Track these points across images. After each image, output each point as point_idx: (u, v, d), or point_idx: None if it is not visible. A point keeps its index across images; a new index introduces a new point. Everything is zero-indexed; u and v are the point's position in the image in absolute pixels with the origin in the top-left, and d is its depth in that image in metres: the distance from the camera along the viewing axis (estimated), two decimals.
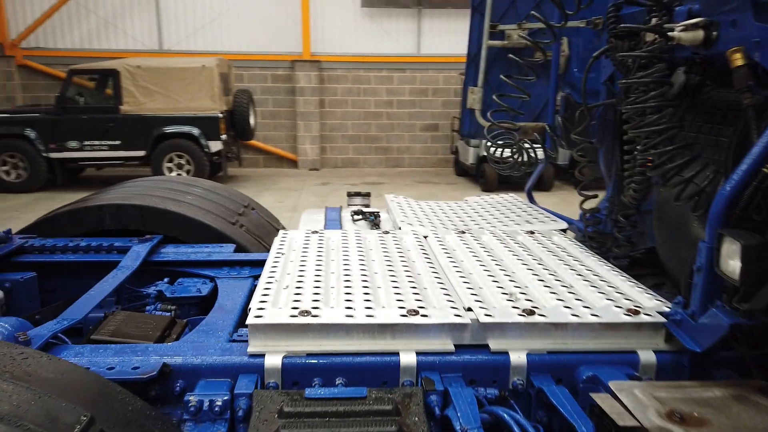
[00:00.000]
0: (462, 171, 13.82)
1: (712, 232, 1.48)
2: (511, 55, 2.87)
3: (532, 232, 2.68)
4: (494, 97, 2.77)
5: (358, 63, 15.00)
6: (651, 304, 1.83)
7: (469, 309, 1.78)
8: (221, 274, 2.45)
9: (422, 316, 1.71)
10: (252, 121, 12.60)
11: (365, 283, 1.96)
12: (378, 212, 3.20)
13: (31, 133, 10.89)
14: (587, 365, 1.69)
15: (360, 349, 1.68)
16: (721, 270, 1.46)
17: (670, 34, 1.74)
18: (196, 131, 11.12)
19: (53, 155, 10.99)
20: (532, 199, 3.46)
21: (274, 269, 2.09)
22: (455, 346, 1.71)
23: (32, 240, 2.59)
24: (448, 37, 14.49)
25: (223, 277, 2.41)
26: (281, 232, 2.58)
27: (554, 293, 1.91)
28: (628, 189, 2.29)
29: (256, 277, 2.28)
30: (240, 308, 2.07)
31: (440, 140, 15.26)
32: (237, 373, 1.64)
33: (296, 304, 1.76)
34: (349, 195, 3.55)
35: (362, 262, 2.18)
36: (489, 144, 2.95)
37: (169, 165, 11.21)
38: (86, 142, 11.00)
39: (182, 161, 11.25)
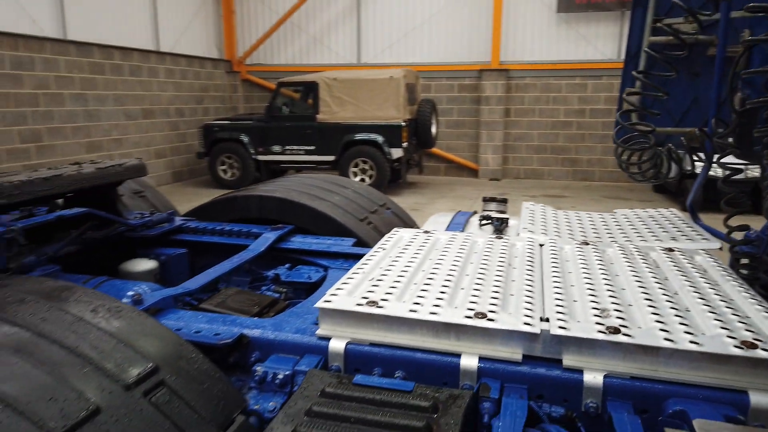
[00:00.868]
0: (660, 187, 12.52)
1: None
2: (646, 49, 2.56)
3: (671, 250, 2.36)
4: (624, 95, 2.49)
5: (548, 71, 14.51)
6: None
7: (546, 319, 1.64)
8: (334, 264, 2.58)
9: (489, 320, 1.62)
10: (434, 129, 12.91)
11: (447, 283, 1.92)
12: (507, 218, 3.08)
13: (245, 138, 12.53)
14: (679, 398, 1.45)
15: (422, 346, 1.65)
16: None
17: None
18: (380, 139, 11.75)
19: (260, 158, 12.50)
20: (694, 215, 3.03)
21: (367, 262, 2.15)
22: (525, 356, 1.60)
23: (190, 222, 3.00)
24: None
25: (334, 268, 2.54)
26: (394, 229, 2.63)
27: (658, 314, 1.67)
28: None
29: None
30: None
31: None
32: (304, 353, 1.72)
33: (368, 295, 1.79)
34: (485, 200, 3.47)
35: (456, 263, 2.13)
36: (620, 149, 2.66)
37: (354, 170, 12.00)
38: (287, 147, 12.31)
39: (366, 167, 11.98)
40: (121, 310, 1.57)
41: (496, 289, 1.87)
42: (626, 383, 1.50)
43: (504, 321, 1.62)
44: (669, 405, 1.44)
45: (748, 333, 1.54)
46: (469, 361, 1.60)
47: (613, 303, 1.75)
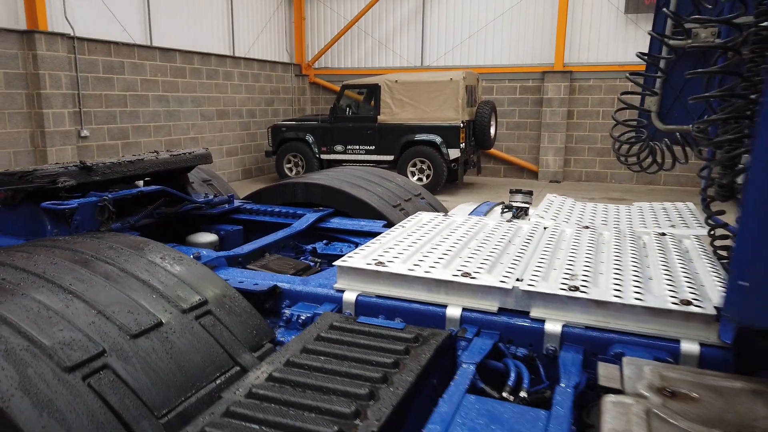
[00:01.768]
0: (731, 194, 12.11)
1: None
2: (638, 53, 2.79)
3: (663, 234, 2.60)
4: (619, 95, 2.74)
5: (614, 72, 14.32)
6: (718, 298, 1.76)
7: (520, 280, 1.96)
8: (365, 242, 2.97)
9: (471, 278, 1.97)
10: (492, 131, 13.08)
11: (448, 252, 2.27)
12: (527, 207, 3.37)
13: (310, 138, 13.18)
14: (622, 344, 1.74)
15: (418, 298, 2.01)
16: None
17: None
18: (438, 139, 12.08)
19: (323, 156, 13.12)
20: (706, 207, 3.21)
21: (386, 235, 2.53)
22: (500, 309, 1.93)
23: (246, 204, 3.48)
24: None
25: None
26: (418, 212, 3.00)
27: (620, 281, 1.95)
28: None
29: None
30: None
31: None
32: (324, 302, 2.13)
33: (378, 258, 2.17)
34: (512, 192, 3.76)
35: (461, 239, 2.47)
36: (617, 142, 2.90)
37: (412, 170, 12.38)
38: (349, 147, 12.85)
39: (424, 167, 12.33)
40: (182, 260, 2.02)
41: (488, 257, 2.21)
42: (580, 332, 1.80)
43: (484, 279, 1.96)
44: (612, 349, 1.73)
45: (691, 295, 1.80)
46: (453, 311, 1.95)
47: (585, 271, 2.05)
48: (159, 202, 2.95)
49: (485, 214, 3.37)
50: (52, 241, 2.02)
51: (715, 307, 1.69)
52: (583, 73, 14.54)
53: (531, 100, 14.95)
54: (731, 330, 1.49)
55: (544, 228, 2.72)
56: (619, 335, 1.77)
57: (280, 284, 2.20)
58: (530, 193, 3.75)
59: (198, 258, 2.30)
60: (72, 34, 9.81)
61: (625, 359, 1.60)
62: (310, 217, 3.15)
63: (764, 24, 1.67)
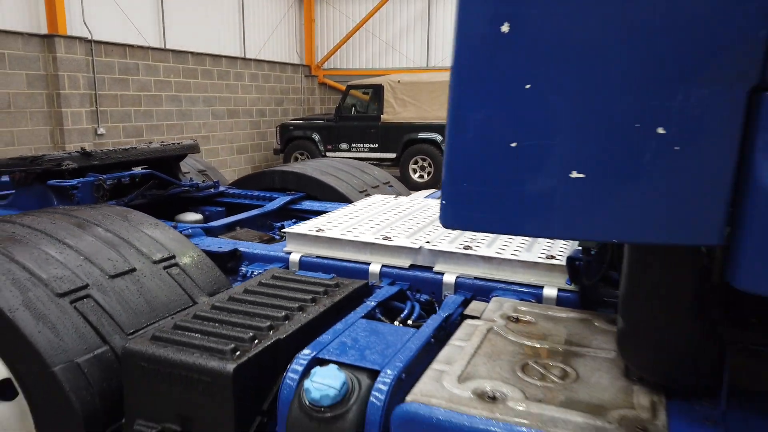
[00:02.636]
0: None
1: None
2: None
3: None
4: None
5: None
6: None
7: (428, 242, 2.40)
8: None
9: (390, 241, 2.41)
10: None
11: (382, 222, 2.71)
12: None
13: (316, 136, 13.69)
14: (502, 291, 2.17)
15: (349, 258, 2.46)
16: None
17: None
18: (439, 138, 12.50)
19: (329, 154, 13.59)
20: None
21: (338, 211, 2.98)
22: (412, 265, 2.37)
23: (229, 189, 3.97)
24: None
25: None
26: (373, 195, 3.44)
27: (510, 242, 2.38)
28: None
29: None
30: None
31: None
32: (275, 261, 2.59)
33: (320, 226, 2.63)
34: None
35: (398, 214, 2.91)
36: None
37: (414, 167, 12.82)
38: (353, 145, 13.34)
39: (425, 164, 12.76)
40: (158, 225, 2.50)
41: (412, 227, 2.65)
42: (470, 281, 2.24)
43: (400, 242, 2.40)
44: (493, 294, 2.17)
45: (558, 252, 2.23)
46: (375, 267, 2.39)
47: (485, 236, 2.48)
48: (149, 184, 3.44)
49: (438, 198, 3.80)
50: (54, 209, 2.51)
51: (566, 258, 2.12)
52: None
53: None
54: (570, 277, 1.92)
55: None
56: (500, 284, 2.20)
57: (240, 248, 2.66)
58: None
59: (175, 227, 2.78)
60: (90, 38, 10.43)
61: (493, 297, 2.04)
62: (281, 200, 3.62)
63: None
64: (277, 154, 14.46)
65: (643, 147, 1.04)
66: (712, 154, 1.01)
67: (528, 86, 1.07)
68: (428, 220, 2.81)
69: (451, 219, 1.17)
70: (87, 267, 2.05)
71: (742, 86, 0.99)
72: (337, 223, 2.71)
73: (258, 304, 1.98)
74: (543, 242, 2.37)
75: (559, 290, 2.09)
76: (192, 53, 12.97)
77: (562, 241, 2.38)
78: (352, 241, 2.46)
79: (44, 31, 9.73)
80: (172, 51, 12.46)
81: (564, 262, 2.11)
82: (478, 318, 1.88)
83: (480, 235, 2.48)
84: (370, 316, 1.98)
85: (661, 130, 1.03)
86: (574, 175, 1.08)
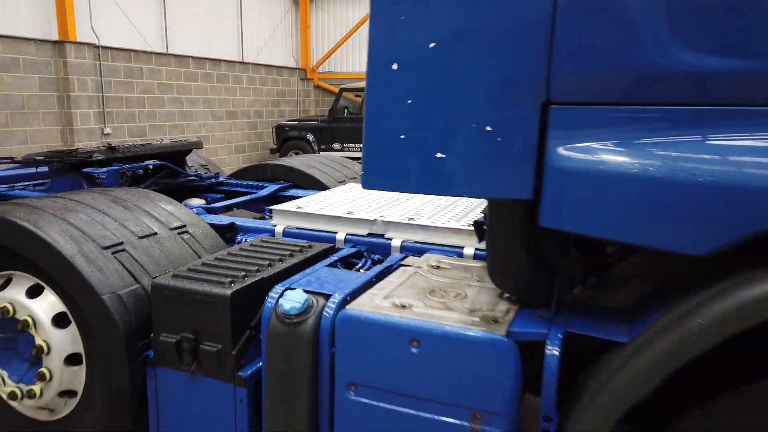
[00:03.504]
0: None
1: None
2: None
3: None
4: None
5: None
6: None
7: (382, 216, 3.10)
8: None
9: (352, 214, 3.11)
10: None
11: (351, 202, 3.41)
12: None
13: (310, 137, 14.40)
14: (434, 251, 2.87)
15: (321, 228, 3.16)
16: None
17: None
18: None
19: (323, 153, 14.30)
20: None
21: (317, 194, 3.68)
22: (369, 234, 3.06)
23: (228, 179, 4.66)
24: None
25: None
26: (348, 183, 4.14)
27: (446, 214, 3.08)
28: None
29: None
30: None
31: None
32: (263, 232, 3.28)
33: (300, 204, 3.32)
34: None
35: (368, 197, 3.61)
36: None
37: None
38: (345, 144, 14.04)
39: None
40: (172, 203, 3.19)
41: (372, 205, 3.35)
42: (411, 245, 2.93)
43: (360, 215, 3.10)
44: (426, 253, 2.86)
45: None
46: (340, 236, 3.09)
47: (431, 211, 3.17)
48: (161, 173, 4.13)
49: None
50: (91, 190, 3.21)
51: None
52: None
53: None
54: (477, 237, 2.62)
55: None
56: (434, 246, 2.89)
57: (237, 222, 3.36)
58: None
59: (186, 205, 3.48)
60: (97, 44, 11.13)
61: (425, 254, 2.74)
62: (272, 188, 4.32)
63: None
64: (274, 154, 15.15)
65: (478, 138, 1.74)
66: (522, 143, 1.70)
67: (410, 101, 1.76)
68: (386, 201, 3.50)
69: (366, 183, 1.87)
70: (121, 230, 2.75)
71: (537, 101, 1.68)
72: (314, 203, 3.41)
73: (249, 257, 2.67)
74: (471, 215, 3.07)
75: (476, 249, 2.79)
76: (193, 57, 13.66)
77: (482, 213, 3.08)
78: (324, 215, 3.16)
79: (55, 37, 10.42)
80: (174, 56, 13.15)
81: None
82: (410, 266, 2.58)
83: (423, 210, 3.18)
84: (332, 266, 2.67)
85: (488, 128, 1.73)
86: (439, 155, 1.78)
